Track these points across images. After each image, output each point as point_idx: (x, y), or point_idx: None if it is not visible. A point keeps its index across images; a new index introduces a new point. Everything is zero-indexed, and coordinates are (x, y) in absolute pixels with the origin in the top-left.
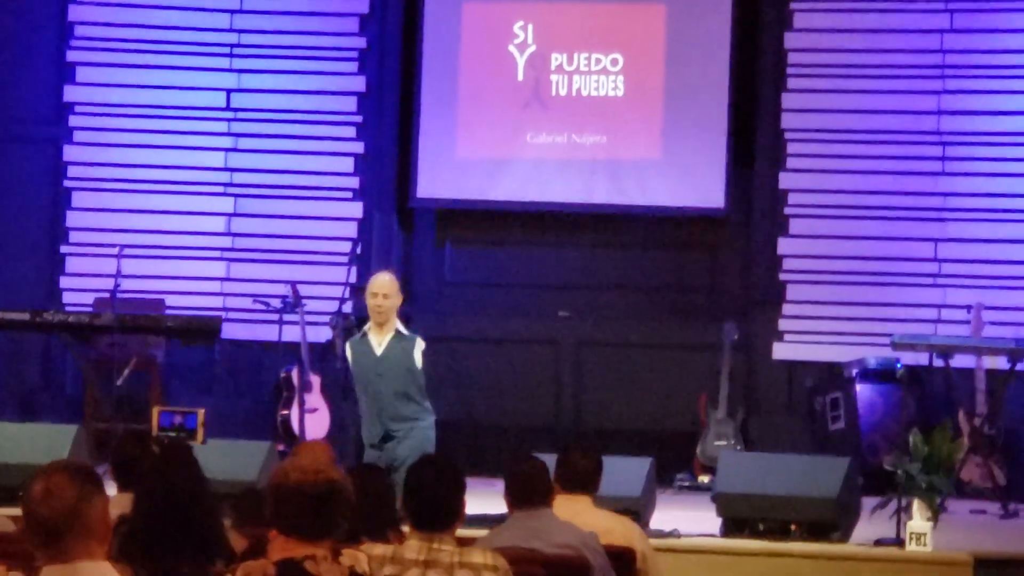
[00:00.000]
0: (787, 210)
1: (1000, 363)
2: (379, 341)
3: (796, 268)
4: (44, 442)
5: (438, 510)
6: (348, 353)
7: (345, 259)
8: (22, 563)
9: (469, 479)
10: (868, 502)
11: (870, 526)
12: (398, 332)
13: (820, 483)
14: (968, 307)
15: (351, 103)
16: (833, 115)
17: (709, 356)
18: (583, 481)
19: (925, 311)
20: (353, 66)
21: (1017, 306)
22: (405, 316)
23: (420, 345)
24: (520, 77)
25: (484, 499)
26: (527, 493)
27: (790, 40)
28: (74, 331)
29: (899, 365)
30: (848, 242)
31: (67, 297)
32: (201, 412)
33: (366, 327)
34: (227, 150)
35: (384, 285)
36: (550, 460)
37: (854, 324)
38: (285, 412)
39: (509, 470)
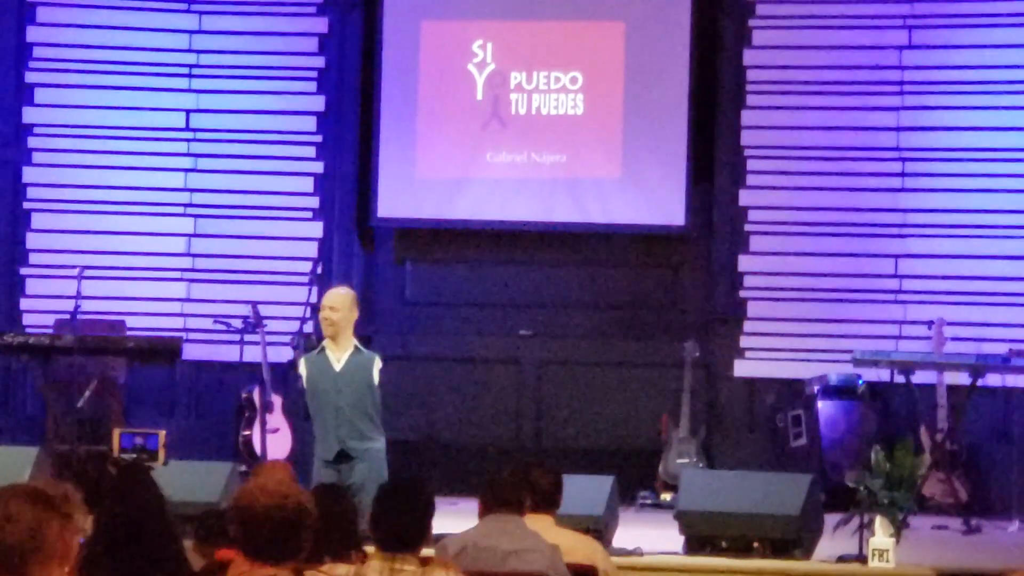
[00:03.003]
0: (747, 227)
1: (961, 379)
2: (338, 357)
3: (757, 285)
4: (5, 464)
5: (407, 533)
6: (303, 369)
7: (306, 279)
8: None
9: None
10: (830, 519)
11: (833, 543)
12: (357, 348)
13: (782, 500)
14: (929, 323)
15: (310, 123)
16: (793, 132)
17: (670, 374)
18: (545, 500)
19: (886, 327)
20: (312, 86)
21: (978, 322)
22: (366, 336)
23: (378, 363)
24: (479, 96)
25: (445, 518)
26: (502, 496)
27: (749, 57)
28: (35, 353)
29: (860, 381)
30: (809, 259)
31: (27, 319)
32: (162, 433)
33: (323, 343)
34: (186, 170)
35: (333, 299)
36: None
37: (815, 341)
38: (247, 432)
39: (487, 478)
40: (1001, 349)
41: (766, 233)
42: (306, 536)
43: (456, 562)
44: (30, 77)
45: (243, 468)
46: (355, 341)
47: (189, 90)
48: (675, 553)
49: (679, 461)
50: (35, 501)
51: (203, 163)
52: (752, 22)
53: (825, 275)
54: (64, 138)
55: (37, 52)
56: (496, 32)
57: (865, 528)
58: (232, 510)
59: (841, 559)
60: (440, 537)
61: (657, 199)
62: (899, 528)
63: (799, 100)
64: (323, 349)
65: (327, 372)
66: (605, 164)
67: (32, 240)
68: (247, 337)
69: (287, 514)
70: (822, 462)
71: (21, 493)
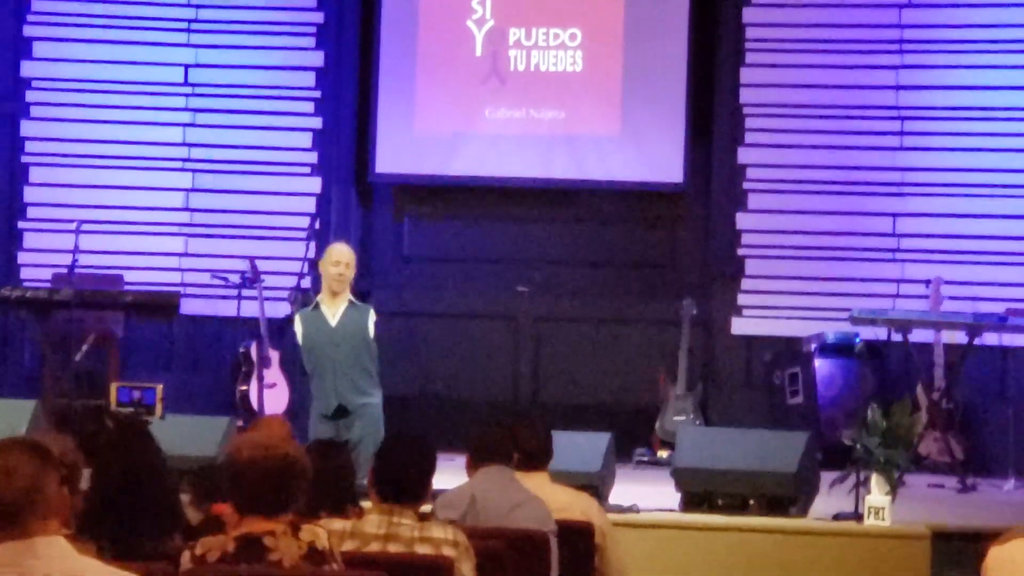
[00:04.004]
0: (746, 185)
1: (958, 337)
2: (333, 312)
3: (755, 243)
4: (2, 418)
5: (408, 487)
6: (298, 326)
7: (303, 234)
8: None
9: None
10: (827, 476)
11: (829, 500)
12: (351, 302)
13: (779, 458)
14: (927, 281)
15: (309, 78)
16: (791, 90)
17: (668, 331)
18: (534, 458)
19: (884, 286)
20: (311, 41)
21: (975, 280)
22: (363, 291)
23: (373, 315)
24: (478, 52)
25: (443, 474)
26: (488, 452)
27: (748, 15)
28: (32, 307)
29: (858, 340)
30: (807, 217)
31: (25, 273)
32: (160, 387)
33: (318, 298)
34: (185, 125)
35: (346, 254)
36: None
37: (813, 299)
38: (244, 387)
39: (472, 433)
40: (998, 308)
41: (764, 191)
42: (295, 488)
43: (465, 516)
44: (28, 31)
45: (240, 423)
46: (349, 295)
47: (188, 45)
48: (671, 510)
49: (676, 418)
50: (35, 455)
51: (201, 118)
52: None
53: (823, 233)
54: (63, 92)
55: (35, 5)
56: None
57: (861, 486)
58: (222, 465)
59: (837, 517)
60: (439, 493)
61: (655, 156)
62: (895, 486)
63: (798, 58)
64: (317, 305)
65: (323, 327)
66: (604, 121)
67: (30, 194)
68: (245, 292)
69: (271, 464)
70: (819, 420)
71: (21, 446)
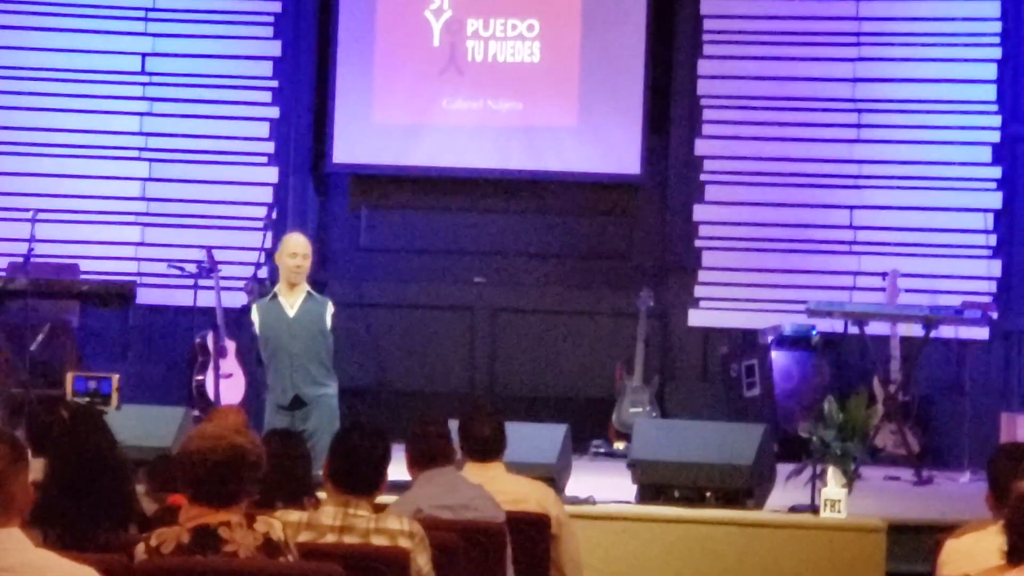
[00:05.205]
0: (703, 177)
1: (915, 330)
2: (291, 303)
3: (712, 235)
4: None
5: (363, 478)
6: (255, 316)
7: (260, 224)
8: None
9: None
10: (783, 469)
11: (785, 493)
12: (309, 294)
13: (735, 450)
14: (883, 274)
15: (267, 68)
16: (749, 82)
17: (625, 323)
18: (488, 449)
19: (840, 278)
20: (269, 31)
21: (932, 273)
22: (320, 282)
23: (331, 308)
24: (436, 43)
25: (397, 465)
26: (429, 454)
27: (706, 7)
28: None
29: (814, 332)
30: (764, 209)
31: None
32: (115, 377)
33: (275, 289)
34: (142, 114)
35: (303, 245)
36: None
37: (770, 291)
38: (200, 377)
39: (411, 433)
40: (954, 301)
41: (721, 183)
42: (246, 478)
43: None
44: None
45: (196, 413)
46: (307, 287)
47: (145, 33)
48: (628, 502)
49: (632, 410)
50: (7, 449)
51: (158, 107)
52: None
53: (780, 225)
54: (19, 80)
55: None
56: None
57: (817, 478)
58: (177, 456)
59: (793, 509)
60: (395, 484)
61: (613, 148)
62: (851, 479)
63: (756, 50)
64: (275, 295)
65: (281, 318)
66: (561, 112)
67: None
68: (201, 282)
69: (219, 456)
70: (775, 412)
71: None
